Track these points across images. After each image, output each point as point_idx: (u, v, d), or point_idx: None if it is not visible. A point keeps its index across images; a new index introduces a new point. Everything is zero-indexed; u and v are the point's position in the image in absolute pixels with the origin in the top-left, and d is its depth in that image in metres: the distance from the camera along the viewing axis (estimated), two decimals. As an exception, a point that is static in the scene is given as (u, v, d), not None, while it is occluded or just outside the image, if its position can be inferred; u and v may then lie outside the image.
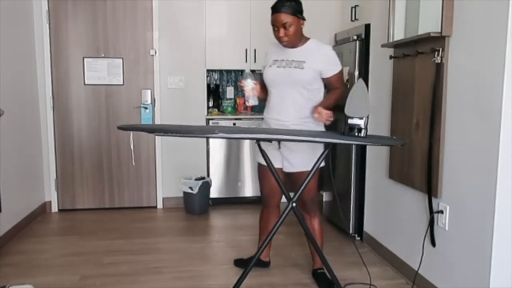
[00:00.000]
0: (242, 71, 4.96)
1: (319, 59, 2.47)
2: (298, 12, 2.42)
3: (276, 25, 2.44)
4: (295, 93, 2.48)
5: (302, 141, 2.37)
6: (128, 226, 3.83)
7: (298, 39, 2.49)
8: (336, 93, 2.51)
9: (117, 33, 4.21)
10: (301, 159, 2.52)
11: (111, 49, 4.21)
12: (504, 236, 2.00)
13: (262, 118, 4.40)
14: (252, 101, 2.57)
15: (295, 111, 2.50)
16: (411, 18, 2.66)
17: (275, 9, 2.43)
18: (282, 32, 2.43)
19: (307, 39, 2.54)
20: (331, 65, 2.49)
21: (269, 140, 2.26)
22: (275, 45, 2.60)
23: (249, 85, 2.55)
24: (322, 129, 2.56)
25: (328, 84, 2.53)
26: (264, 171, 2.61)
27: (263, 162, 2.49)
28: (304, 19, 2.47)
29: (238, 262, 2.93)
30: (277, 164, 2.53)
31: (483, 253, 2.05)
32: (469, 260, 2.17)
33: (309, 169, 2.36)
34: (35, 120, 4.07)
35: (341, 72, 2.53)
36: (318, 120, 2.42)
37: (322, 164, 2.49)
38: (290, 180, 2.59)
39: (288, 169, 2.56)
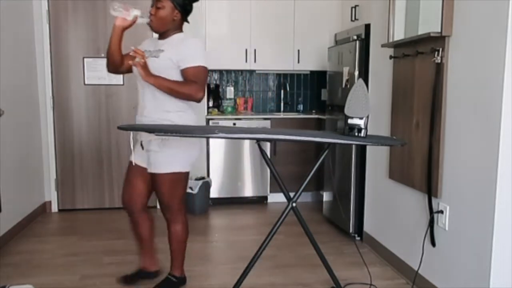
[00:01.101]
0: (242, 71, 4.98)
1: (179, 49, 2.31)
2: (177, 2, 2.33)
3: (153, 1, 2.34)
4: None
5: (302, 141, 2.36)
6: (128, 226, 3.81)
7: (164, 27, 2.35)
8: (184, 83, 2.29)
9: (117, 33, 4.20)
10: (159, 160, 2.37)
11: (111, 49, 4.21)
12: (504, 236, 2.00)
13: (264, 118, 4.47)
14: (117, 9, 2.27)
15: (154, 105, 2.35)
16: (411, 18, 2.66)
17: None
18: (153, 10, 2.32)
19: (178, 32, 2.42)
20: (190, 57, 2.30)
21: (269, 140, 2.25)
22: (151, 38, 2.56)
23: (134, 12, 2.29)
24: (186, 123, 2.39)
25: (183, 77, 2.32)
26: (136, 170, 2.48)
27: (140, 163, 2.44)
28: (183, 16, 2.39)
29: (124, 279, 2.69)
30: (144, 164, 2.45)
31: (483, 253, 2.05)
32: (469, 260, 2.17)
33: (165, 171, 2.35)
34: (35, 120, 4.07)
35: (200, 69, 2.31)
36: (134, 56, 2.21)
37: (179, 169, 2.40)
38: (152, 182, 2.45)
39: (149, 170, 2.42)
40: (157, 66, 2.29)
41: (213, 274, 2.83)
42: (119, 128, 2.14)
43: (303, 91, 5.15)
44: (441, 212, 2.37)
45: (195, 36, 4.33)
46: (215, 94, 4.79)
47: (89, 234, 3.58)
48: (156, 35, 2.46)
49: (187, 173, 2.50)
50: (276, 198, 4.40)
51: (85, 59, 4.19)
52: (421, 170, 2.52)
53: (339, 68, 3.63)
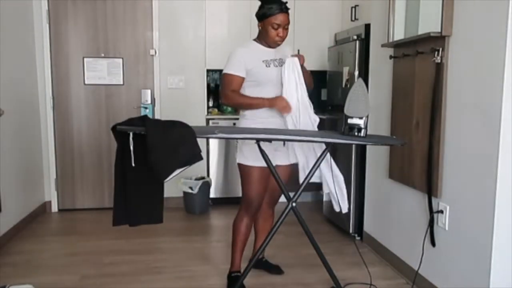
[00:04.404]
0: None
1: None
2: None
3: (280, 25, 2.40)
4: None
5: (302, 141, 2.37)
6: (128, 226, 3.82)
7: None
8: None
9: (117, 33, 4.20)
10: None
11: (111, 49, 4.21)
12: (504, 236, 2.00)
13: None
14: None
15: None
16: (411, 18, 2.66)
17: (282, 9, 2.38)
18: (283, 32, 2.43)
19: None
20: None
21: (269, 140, 2.25)
22: (247, 47, 2.56)
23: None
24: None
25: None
26: (264, 172, 2.51)
27: (262, 164, 2.40)
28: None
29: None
30: (283, 162, 2.60)
31: (483, 253, 2.05)
32: (469, 260, 2.17)
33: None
34: (35, 120, 4.07)
35: None
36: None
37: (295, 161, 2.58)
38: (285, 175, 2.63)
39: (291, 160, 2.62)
40: None
41: (213, 274, 2.83)
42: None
43: (303, 91, 5.14)
44: (441, 212, 2.37)
45: (195, 36, 4.36)
46: (215, 94, 4.79)
47: (89, 234, 3.58)
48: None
49: (246, 167, 2.50)
50: (276, 198, 4.39)
51: (85, 59, 4.19)
52: (421, 170, 2.52)
53: (339, 68, 3.63)
